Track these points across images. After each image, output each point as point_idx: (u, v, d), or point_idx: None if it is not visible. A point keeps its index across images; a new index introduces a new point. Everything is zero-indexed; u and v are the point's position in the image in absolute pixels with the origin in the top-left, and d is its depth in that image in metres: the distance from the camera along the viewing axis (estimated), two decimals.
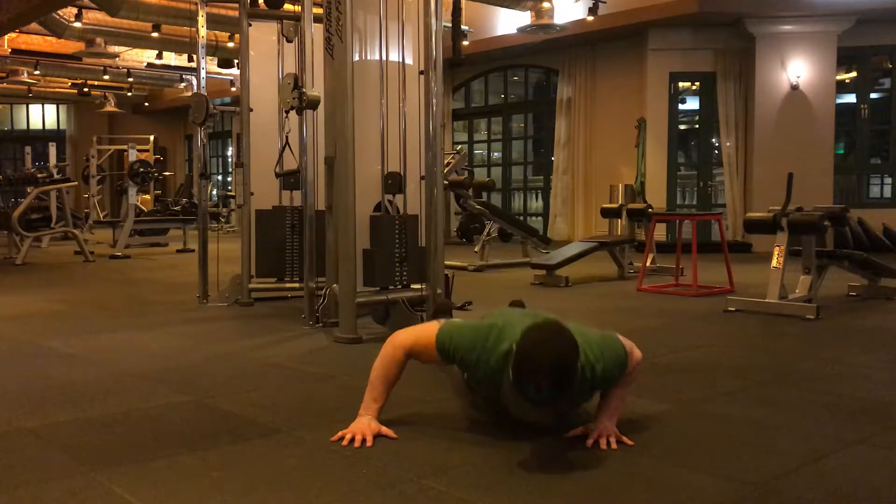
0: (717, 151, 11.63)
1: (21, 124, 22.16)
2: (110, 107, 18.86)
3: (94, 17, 11.55)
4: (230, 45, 12.70)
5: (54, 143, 13.92)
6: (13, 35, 13.64)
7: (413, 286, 4.73)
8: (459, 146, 13.73)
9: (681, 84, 11.70)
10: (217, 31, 12.11)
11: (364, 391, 2.66)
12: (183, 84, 16.96)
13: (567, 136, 12.78)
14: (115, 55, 14.50)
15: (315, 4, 5.41)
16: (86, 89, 17.45)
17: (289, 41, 5.97)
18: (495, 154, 15.00)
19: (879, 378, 3.48)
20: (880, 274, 6.01)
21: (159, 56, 14.34)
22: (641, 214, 7.81)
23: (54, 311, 5.62)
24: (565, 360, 2.17)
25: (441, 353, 2.55)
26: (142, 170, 12.11)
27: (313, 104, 4.74)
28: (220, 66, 14.05)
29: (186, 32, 10.27)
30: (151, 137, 15.92)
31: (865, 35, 10.58)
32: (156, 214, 13.81)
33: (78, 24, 11.48)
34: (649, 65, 11.34)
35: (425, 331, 2.62)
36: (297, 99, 4.62)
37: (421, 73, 4.78)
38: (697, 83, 11.66)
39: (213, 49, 12.83)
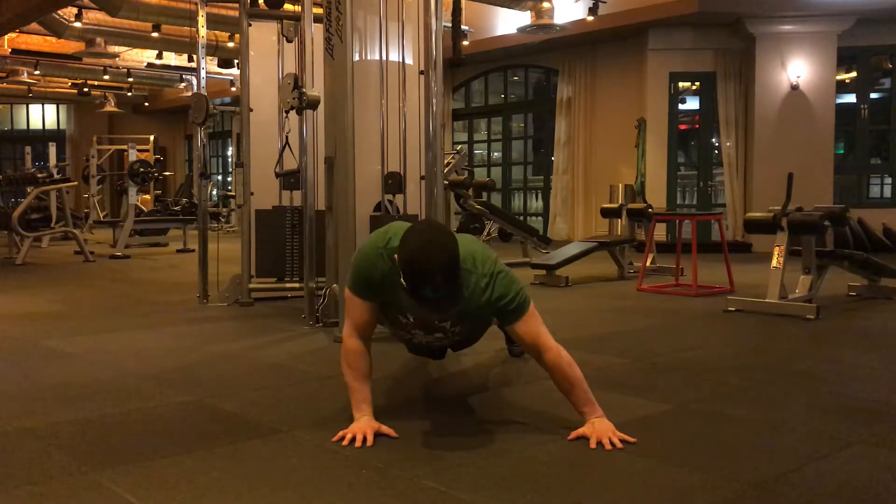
0: (717, 151, 11.63)
1: (21, 124, 22.16)
2: (110, 107, 18.86)
3: (94, 17, 11.55)
4: (230, 45, 12.70)
5: (54, 143, 13.91)
6: (13, 35, 13.64)
7: None
8: (459, 146, 13.73)
9: (681, 84, 11.70)
10: (217, 31, 12.11)
11: None
12: (183, 84, 16.96)
13: (567, 136, 12.78)
14: (115, 55, 14.50)
15: (315, 4, 5.41)
16: (86, 89, 17.45)
17: (289, 41, 5.97)
18: (495, 154, 15.00)
19: (879, 378, 3.48)
20: (880, 274, 6.01)
21: (159, 56, 14.34)
22: (641, 214, 7.81)
23: (54, 311, 5.62)
24: (448, 252, 2.28)
25: (356, 289, 2.60)
26: (142, 170, 12.11)
27: (313, 104, 4.74)
28: (220, 66, 14.06)
29: (186, 32, 10.27)
30: (151, 137, 15.93)
31: (865, 35, 10.58)
32: (156, 214, 13.80)
33: (78, 24, 11.48)
34: (649, 65, 11.34)
35: (345, 304, 2.68)
36: (297, 99, 4.63)
37: (421, 73, 4.78)
38: (697, 83, 11.66)
39: (213, 49, 12.84)
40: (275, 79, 5.75)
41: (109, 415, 2.86)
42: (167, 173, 18.26)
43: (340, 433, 2.51)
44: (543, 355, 2.54)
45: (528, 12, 10.64)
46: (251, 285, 5.85)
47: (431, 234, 2.38)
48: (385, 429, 2.52)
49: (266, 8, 5.90)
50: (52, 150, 13.34)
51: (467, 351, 3.53)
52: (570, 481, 2.17)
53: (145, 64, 15.55)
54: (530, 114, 14.57)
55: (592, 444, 2.41)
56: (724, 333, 4.69)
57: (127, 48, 14.30)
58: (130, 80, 16.43)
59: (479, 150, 15.25)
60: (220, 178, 21.18)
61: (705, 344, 4.37)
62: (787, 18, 10.53)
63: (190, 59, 13.96)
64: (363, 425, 2.51)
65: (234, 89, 15.50)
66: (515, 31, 11.20)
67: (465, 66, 12.10)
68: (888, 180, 11.65)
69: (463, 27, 9.09)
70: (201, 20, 6.10)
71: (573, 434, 2.49)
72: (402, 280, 2.30)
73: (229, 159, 20.51)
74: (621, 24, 11.09)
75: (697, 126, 11.92)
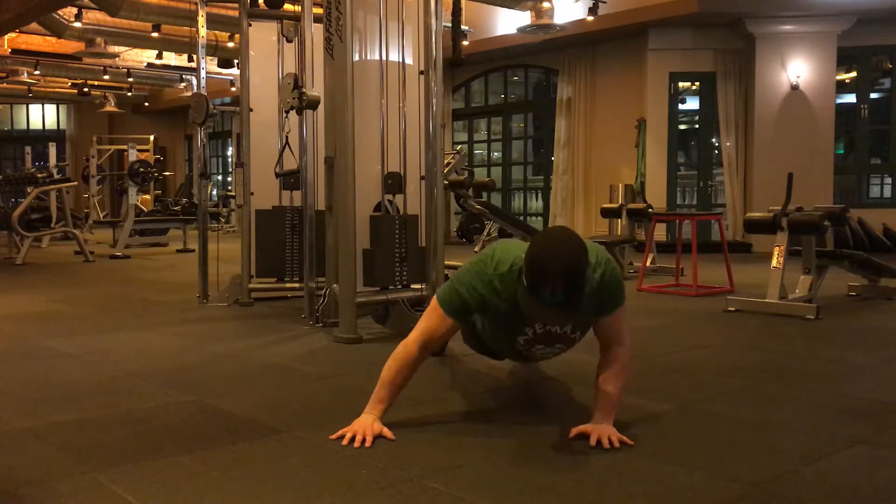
0: (717, 151, 11.63)
1: (21, 124, 22.16)
2: (110, 107, 18.86)
3: (94, 17, 11.55)
4: (230, 45, 12.69)
5: (54, 143, 13.92)
6: (13, 35, 13.64)
7: (413, 286, 4.73)
8: (459, 146, 13.74)
9: (681, 84, 11.70)
10: (217, 31, 12.10)
11: (365, 391, 2.66)
12: (183, 84, 16.96)
13: (567, 135, 12.78)
14: (115, 55, 14.49)
15: (315, 4, 5.41)
16: (86, 89, 17.45)
17: (289, 41, 5.97)
18: (495, 154, 15.00)
19: (879, 378, 3.48)
20: (880, 274, 6.01)
21: (159, 56, 14.33)
22: (641, 214, 7.81)
23: (54, 311, 5.62)
24: (577, 260, 2.26)
25: (451, 310, 2.58)
26: (142, 170, 12.12)
27: (313, 104, 4.74)
28: (220, 66, 14.05)
29: (186, 32, 10.27)
30: (151, 137, 15.93)
31: (865, 35, 10.58)
32: (156, 214, 13.82)
33: (78, 24, 11.48)
34: (649, 65, 11.34)
35: (426, 314, 2.64)
36: (297, 99, 4.63)
37: (421, 73, 4.78)
38: (697, 83, 11.66)
39: (213, 49, 12.83)
40: (275, 79, 5.75)
41: (109, 415, 2.86)
42: (167, 173, 18.25)
43: (341, 431, 2.51)
44: (614, 346, 2.58)
45: (528, 12, 10.64)
46: (251, 285, 5.85)
47: (561, 236, 2.37)
48: (386, 431, 2.51)
49: (266, 8, 5.89)
50: (52, 150, 13.34)
51: (468, 351, 3.53)
52: (570, 481, 2.16)
53: (145, 64, 15.54)
54: (530, 114, 14.57)
55: (592, 442, 2.41)
56: (724, 333, 4.69)
57: (127, 48, 14.30)
58: (130, 80, 16.42)
59: (479, 150, 15.25)
60: (220, 178, 21.17)
61: (705, 344, 4.37)
62: (787, 18, 10.53)
63: (190, 59, 13.95)
64: (365, 425, 2.50)
65: (234, 89, 15.50)
66: (515, 31, 11.20)
67: (465, 66, 12.08)
68: (888, 180, 11.65)
69: (463, 27, 9.10)
70: (201, 20, 6.10)
71: (574, 431, 2.48)
72: (524, 285, 2.27)
73: (229, 159, 20.51)
74: (621, 24, 11.09)
75: (697, 126, 11.92)
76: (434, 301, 2.63)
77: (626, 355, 2.61)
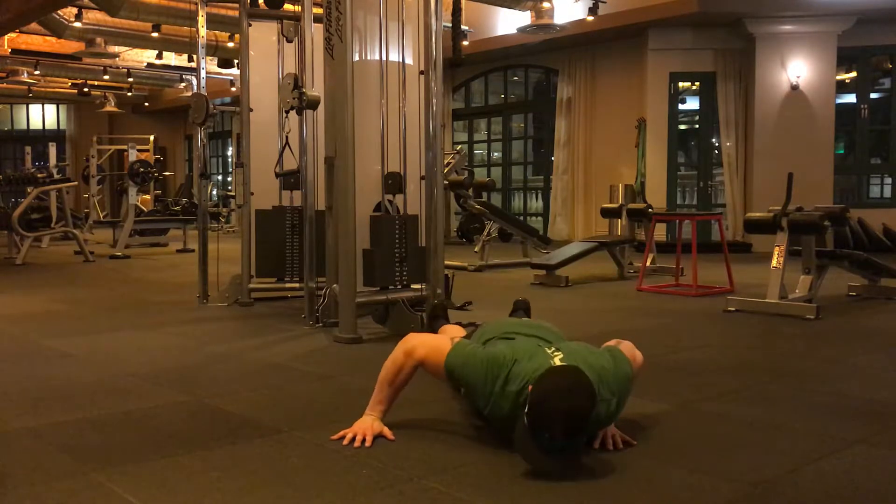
0: (717, 151, 11.63)
1: (21, 124, 22.17)
2: (110, 107, 18.86)
3: (94, 17, 11.55)
4: (230, 45, 12.69)
5: (54, 143, 13.92)
6: (13, 35, 13.63)
7: (413, 286, 4.72)
8: (459, 146, 13.73)
9: (681, 84, 11.70)
10: (217, 31, 12.10)
11: (365, 391, 2.66)
12: (183, 84, 16.96)
13: (567, 136, 12.78)
14: (115, 55, 14.50)
15: (315, 4, 5.42)
16: (86, 89, 17.45)
17: (289, 41, 5.97)
18: (495, 154, 15.00)
19: (879, 378, 3.48)
20: (880, 274, 6.01)
21: (159, 56, 14.33)
22: (641, 214, 7.81)
23: (54, 311, 5.62)
24: (581, 411, 2.15)
25: (450, 378, 2.56)
26: (142, 170, 12.11)
27: (313, 104, 4.74)
28: (220, 66, 14.05)
29: (186, 32, 10.26)
30: (151, 137, 15.93)
31: (865, 35, 10.58)
32: (156, 214, 13.81)
33: (78, 24, 11.48)
34: (649, 65, 11.34)
35: (438, 347, 2.55)
36: (297, 99, 4.62)
37: (421, 73, 4.78)
38: (697, 83, 11.66)
39: (213, 49, 12.83)
40: (275, 79, 5.74)
41: (109, 415, 2.86)
42: (167, 173, 18.25)
43: (341, 432, 2.51)
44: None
45: (528, 12, 10.64)
46: (251, 285, 5.85)
47: (569, 382, 2.21)
48: (386, 431, 2.52)
49: (266, 8, 5.89)
50: (52, 150, 13.34)
51: None
52: (569, 481, 2.16)
53: (145, 64, 15.54)
54: (530, 114, 14.57)
55: (596, 444, 2.42)
56: (724, 333, 4.69)
57: (127, 48, 14.30)
58: (130, 80, 16.42)
59: (479, 150, 15.25)
60: (220, 178, 21.17)
61: (705, 344, 4.36)
62: (787, 18, 10.53)
63: (190, 59, 13.95)
64: (366, 425, 2.51)
65: (234, 89, 15.50)
66: (515, 31, 11.20)
67: (465, 66, 12.09)
68: (888, 180, 11.65)
69: (463, 27, 9.09)
70: (201, 20, 6.10)
71: None
72: (524, 423, 2.17)
73: (229, 159, 20.51)
74: (621, 24, 11.09)
75: (697, 126, 11.91)
76: (448, 345, 2.54)
77: (640, 370, 2.64)
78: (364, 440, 2.45)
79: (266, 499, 2.05)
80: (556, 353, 2.41)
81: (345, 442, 2.47)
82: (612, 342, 2.68)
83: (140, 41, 12.64)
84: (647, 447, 2.43)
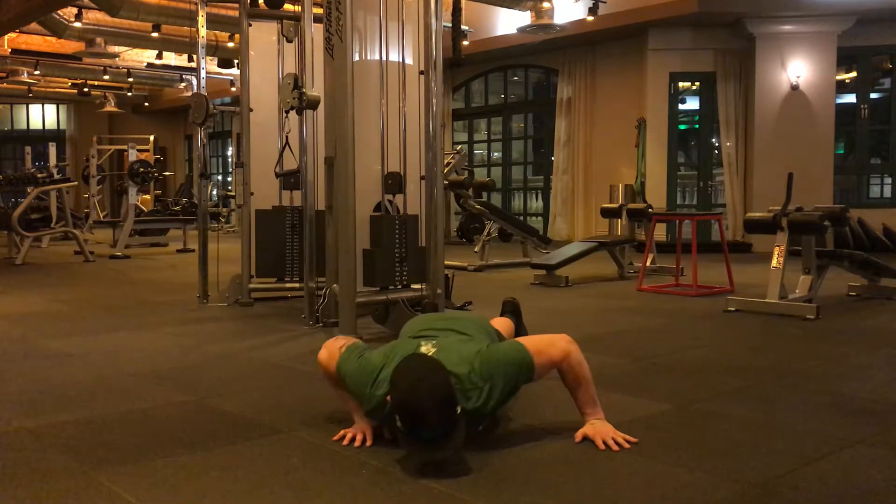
0: (717, 151, 11.63)
1: (21, 124, 22.17)
2: (110, 107, 18.87)
3: (94, 17, 11.55)
4: (230, 45, 12.70)
5: (54, 143, 13.93)
6: (13, 35, 13.64)
7: (413, 286, 4.73)
8: (459, 146, 13.73)
9: (681, 84, 11.70)
10: (217, 31, 12.11)
11: None
12: (183, 84, 16.96)
13: (567, 136, 12.78)
14: (115, 55, 14.50)
15: (315, 4, 5.42)
16: (86, 89, 17.45)
17: (289, 41, 5.97)
18: (495, 154, 15.00)
19: (879, 378, 3.48)
20: (880, 274, 6.01)
21: (159, 56, 14.34)
22: (641, 214, 7.81)
23: (54, 311, 5.62)
24: (439, 392, 2.18)
25: (340, 378, 2.56)
26: (142, 170, 12.11)
27: (313, 104, 4.74)
28: (220, 66, 14.06)
29: (186, 32, 10.26)
30: (151, 137, 15.93)
31: (865, 35, 10.58)
32: (156, 214, 13.82)
33: (78, 24, 11.48)
34: (649, 65, 11.34)
35: (334, 352, 2.58)
36: (297, 99, 4.62)
37: (421, 73, 4.78)
38: (697, 83, 11.66)
39: (213, 49, 12.83)
40: (275, 79, 5.75)
41: (109, 415, 2.86)
42: (167, 173, 18.25)
43: (341, 432, 2.51)
44: (556, 363, 2.51)
45: (528, 12, 10.64)
46: (251, 285, 5.85)
47: (417, 372, 2.25)
48: (387, 430, 2.52)
49: (266, 8, 5.89)
50: (52, 150, 13.35)
51: None
52: (570, 481, 2.17)
53: (145, 64, 15.55)
54: (530, 114, 14.57)
55: (601, 446, 2.41)
56: (724, 333, 4.69)
57: (127, 48, 14.31)
58: (130, 80, 16.43)
59: (479, 150, 15.25)
60: (220, 178, 21.18)
61: (705, 344, 4.36)
62: (787, 18, 10.53)
63: (190, 59, 13.96)
64: (364, 425, 2.51)
65: (234, 89, 15.50)
66: (515, 31, 11.20)
67: (465, 66, 12.11)
68: (888, 180, 11.65)
69: (463, 27, 9.10)
70: (201, 20, 6.10)
71: (578, 435, 2.48)
72: (397, 423, 2.21)
73: (229, 159, 20.51)
74: (621, 24, 11.09)
75: (697, 126, 11.91)
76: (343, 348, 2.58)
77: (571, 356, 2.50)
78: (364, 439, 2.46)
79: (266, 499, 2.05)
80: (429, 348, 2.47)
81: (345, 442, 2.47)
82: (537, 336, 2.63)
83: (140, 41, 12.64)
84: (648, 447, 2.43)
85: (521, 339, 2.60)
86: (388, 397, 2.26)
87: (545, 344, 2.52)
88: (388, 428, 2.49)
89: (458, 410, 2.22)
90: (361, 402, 2.47)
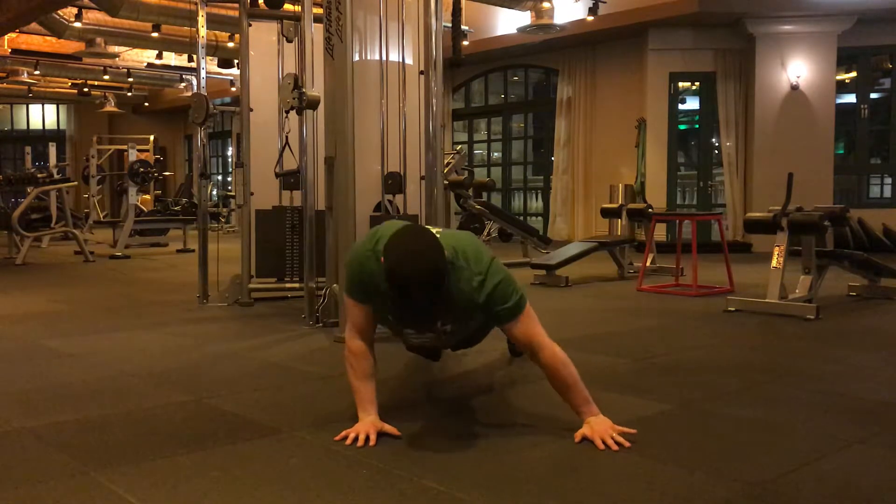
0: (717, 151, 11.63)
1: (21, 124, 22.16)
2: (110, 107, 18.86)
3: (94, 17, 11.55)
4: (230, 45, 12.69)
5: (54, 143, 13.92)
6: (13, 35, 13.64)
7: None
8: (459, 146, 13.73)
9: (681, 84, 11.70)
10: (217, 31, 12.10)
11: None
12: (183, 84, 16.96)
13: (567, 136, 12.78)
14: (115, 55, 14.50)
15: (315, 4, 5.41)
16: (86, 89, 17.45)
17: (289, 41, 5.97)
18: (495, 154, 15.00)
19: (879, 378, 3.48)
20: (880, 274, 6.01)
21: (159, 56, 14.34)
22: (641, 214, 7.82)
23: (54, 311, 5.62)
24: (429, 259, 2.29)
25: (353, 292, 2.62)
26: (142, 170, 12.11)
27: (313, 104, 4.74)
28: (220, 66, 14.05)
29: (186, 32, 10.26)
30: (151, 137, 15.93)
31: (865, 35, 10.58)
32: (156, 214, 13.81)
33: (78, 24, 11.48)
34: (649, 65, 11.34)
35: (345, 306, 2.69)
36: (297, 99, 4.63)
37: (421, 73, 4.78)
38: (697, 83, 11.65)
39: (213, 49, 12.83)
40: (275, 79, 5.75)
41: (109, 415, 2.86)
42: (167, 173, 18.25)
43: (344, 432, 2.51)
44: (538, 354, 2.53)
45: (528, 12, 10.63)
46: (251, 285, 5.85)
47: (415, 244, 2.35)
48: (388, 428, 2.52)
49: (266, 8, 5.89)
50: (52, 150, 13.34)
51: (469, 351, 3.53)
52: (569, 481, 2.17)
53: (145, 64, 15.54)
54: (530, 114, 14.56)
55: (600, 446, 2.40)
56: (724, 333, 4.69)
57: (127, 48, 14.30)
58: (130, 80, 16.42)
59: (479, 150, 15.25)
60: (220, 178, 21.17)
61: (705, 344, 4.36)
62: (787, 18, 10.53)
63: (190, 59, 13.95)
64: (367, 425, 2.51)
65: (234, 89, 15.50)
66: (515, 31, 11.19)
67: (465, 66, 12.08)
68: (888, 180, 11.65)
69: (463, 27, 9.08)
70: (201, 20, 6.10)
71: (577, 436, 2.48)
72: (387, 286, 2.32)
73: (229, 159, 20.51)
74: (621, 24, 11.09)
75: (697, 126, 11.91)
76: (345, 293, 2.68)
77: (556, 356, 2.52)
78: (368, 439, 2.45)
79: (266, 499, 2.05)
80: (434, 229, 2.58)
81: (348, 442, 2.46)
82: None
83: (140, 41, 12.64)
84: (648, 447, 2.42)
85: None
86: (383, 260, 2.35)
87: (541, 327, 2.58)
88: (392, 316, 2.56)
89: (446, 286, 2.31)
90: (367, 292, 2.53)
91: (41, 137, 20.71)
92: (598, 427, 2.46)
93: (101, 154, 15.03)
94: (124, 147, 13.88)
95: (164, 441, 2.53)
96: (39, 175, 11.13)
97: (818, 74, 10.64)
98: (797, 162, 9.24)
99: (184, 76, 16.53)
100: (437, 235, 2.49)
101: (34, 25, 11.81)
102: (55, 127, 22.09)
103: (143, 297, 6.36)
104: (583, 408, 2.53)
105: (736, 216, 10.92)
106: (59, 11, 11.12)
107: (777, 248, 5.41)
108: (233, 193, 15.98)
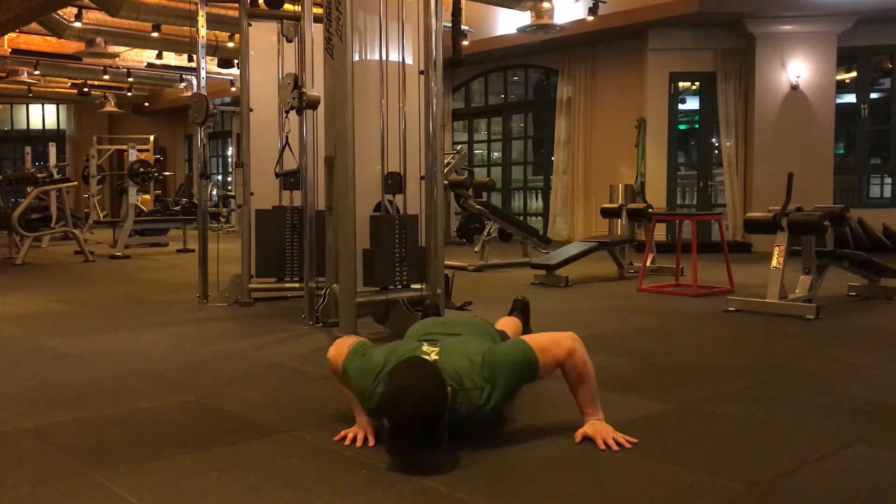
0: (717, 151, 11.63)
1: (21, 124, 22.16)
2: (110, 107, 18.86)
3: (94, 17, 11.54)
4: (230, 45, 12.69)
5: (54, 143, 13.92)
6: (13, 35, 13.63)
7: (413, 286, 4.73)
8: (459, 146, 13.73)
9: (681, 84, 11.70)
10: (217, 31, 12.10)
11: None
12: (183, 84, 16.95)
13: (567, 136, 12.78)
14: (115, 55, 14.49)
15: (315, 4, 5.41)
16: (86, 89, 17.44)
17: (289, 41, 5.97)
18: (495, 154, 15.00)
19: (879, 378, 3.48)
20: (880, 274, 6.01)
21: (159, 56, 14.33)
22: (641, 214, 7.81)
23: (54, 311, 5.62)
24: (427, 404, 2.18)
25: (345, 375, 2.58)
26: (142, 170, 12.11)
27: (313, 104, 4.74)
28: (220, 66, 14.05)
29: (186, 32, 10.27)
30: (151, 137, 15.93)
31: (865, 35, 10.58)
32: (156, 214, 13.81)
33: (78, 24, 11.48)
34: (649, 65, 11.34)
35: (343, 350, 2.60)
36: (297, 99, 4.63)
37: (421, 73, 4.78)
38: (697, 83, 11.65)
39: (213, 49, 12.83)
40: (275, 79, 5.74)
41: (109, 415, 2.86)
42: (167, 173, 18.25)
43: (343, 432, 2.51)
44: (562, 365, 2.51)
45: (528, 12, 10.63)
46: (251, 285, 5.85)
47: (411, 377, 2.25)
48: None
49: (266, 8, 5.89)
50: (52, 150, 13.34)
51: None
52: (569, 481, 2.16)
53: (145, 64, 15.54)
54: (530, 114, 14.56)
55: (601, 446, 2.41)
56: (724, 333, 4.69)
57: (127, 48, 14.30)
58: (130, 80, 16.42)
59: (479, 150, 15.25)
60: (220, 178, 21.17)
61: (705, 344, 4.37)
62: (787, 18, 10.53)
63: (190, 59, 13.95)
64: (366, 425, 2.51)
65: (234, 89, 15.49)
66: (515, 31, 11.19)
67: (465, 66, 12.08)
68: (888, 180, 11.65)
69: (463, 27, 9.09)
70: (201, 20, 6.10)
71: (578, 435, 2.48)
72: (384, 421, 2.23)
73: (229, 159, 20.51)
74: (621, 24, 11.09)
75: (697, 126, 11.91)
76: (350, 347, 2.59)
77: (577, 357, 2.49)
78: (367, 439, 2.45)
79: (266, 499, 2.05)
80: (432, 350, 2.48)
81: (347, 442, 2.47)
82: (542, 335, 2.62)
83: (140, 41, 12.63)
84: (648, 447, 2.43)
85: (525, 337, 2.59)
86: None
87: (550, 342, 2.51)
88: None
89: (445, 421, 2.23)
90: (362, 401, 2.48)
91: (41, 137, 20.72)
92: (601, 428, 2.47)
93: (101, 154, 15.04)
94: (124, 147, 13.88)
95: (164, 441, 2.53)
96: (39, 175, 11.14)
97: (818, 74, 10.64)
98: (797, 162, 9.24)
99: (184, 76, 16.52)
100: (437, 358, 2.41)
101: (34, 25, 11.80)
102: (55, 127, 22.09)
103: (143, 297, 6.36)
104: (589, 408, 2.53)
105: (736, 216, 10.92)
106: (59, 11, 11.11)
107: (777, 248, 5.41)
108: (233, 193, 15.99)
